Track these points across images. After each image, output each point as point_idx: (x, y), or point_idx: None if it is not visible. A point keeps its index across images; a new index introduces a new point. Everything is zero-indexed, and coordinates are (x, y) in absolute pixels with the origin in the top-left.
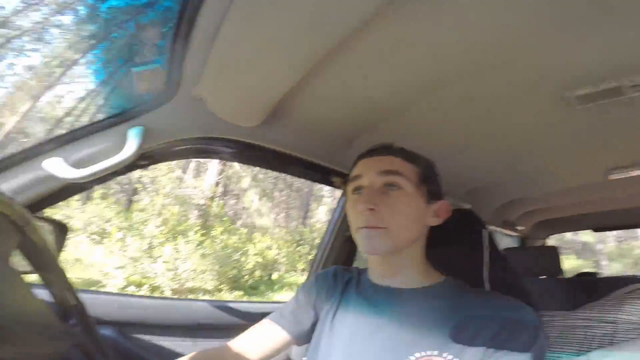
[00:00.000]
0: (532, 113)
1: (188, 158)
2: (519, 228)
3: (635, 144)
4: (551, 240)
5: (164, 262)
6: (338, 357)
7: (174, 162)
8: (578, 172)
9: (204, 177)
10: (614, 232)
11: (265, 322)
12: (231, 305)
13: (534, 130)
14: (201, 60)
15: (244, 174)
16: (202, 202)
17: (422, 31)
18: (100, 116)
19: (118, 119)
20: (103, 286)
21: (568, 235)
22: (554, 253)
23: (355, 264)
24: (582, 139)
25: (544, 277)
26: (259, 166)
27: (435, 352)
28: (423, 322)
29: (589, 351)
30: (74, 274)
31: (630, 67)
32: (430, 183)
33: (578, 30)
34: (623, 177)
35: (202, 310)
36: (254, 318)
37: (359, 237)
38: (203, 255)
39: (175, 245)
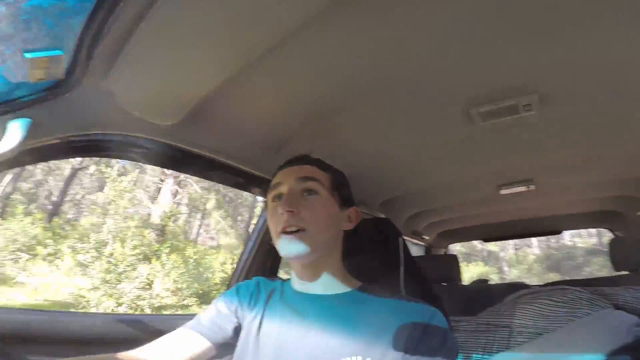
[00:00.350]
0: (441, 128)
1: (88, 156)
2: (425, 237)
3: (522, 163)
4: (463, 249)
5: (141, 282)
6: None
7: (126, 182)
8: (475, 186)
9: (159, 197)
10: (512, 241)
11: (180, 330)
12: (137, 318)
13: (442, 144)
14: (115, 50)
15: (207, 196)
16: (160, 222)
17: (345, 44)
18: None
19: None
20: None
21: (477, 245)
22: (455, 261)
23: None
24: (481, 155)
25: (446, 283)
26: (173, 169)
27: (360, 357)
28: (346, 328)
29: (492, 354)
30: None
31: (523, 88)
32: (342, 189)
33: (482, 50)
34: (512, 192)
35: (98, 324)
36: (160, 333)
37: (280, 243)
38: (182, 274)
39: (151, 265)
